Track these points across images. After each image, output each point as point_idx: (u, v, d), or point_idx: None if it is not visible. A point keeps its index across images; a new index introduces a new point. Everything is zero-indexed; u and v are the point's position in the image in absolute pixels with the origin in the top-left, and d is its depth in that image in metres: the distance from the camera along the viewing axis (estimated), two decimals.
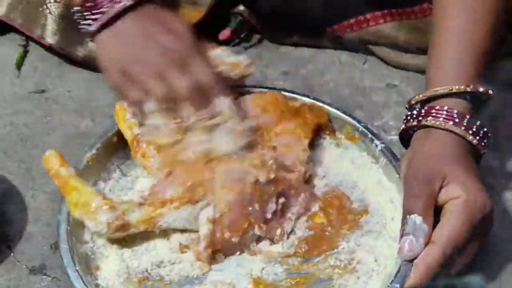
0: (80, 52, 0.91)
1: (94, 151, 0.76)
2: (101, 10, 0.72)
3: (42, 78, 0.92)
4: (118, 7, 0.72)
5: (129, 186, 0.78)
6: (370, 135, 0.79)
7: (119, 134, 0.78)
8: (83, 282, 0.66)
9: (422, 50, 0.88)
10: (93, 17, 0.73)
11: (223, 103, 0.72)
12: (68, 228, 0.70)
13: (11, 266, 0.72)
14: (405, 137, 0.77)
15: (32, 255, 0.73)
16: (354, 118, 0.81)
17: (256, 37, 0.99)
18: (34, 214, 0.77)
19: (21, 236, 0.75)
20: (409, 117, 0.75)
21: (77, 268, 0.67)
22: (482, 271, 0.71)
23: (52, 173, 0.72)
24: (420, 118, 0.73)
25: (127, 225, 0.69)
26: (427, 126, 0.72)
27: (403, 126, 0.76)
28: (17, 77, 0.93)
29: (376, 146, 0.79)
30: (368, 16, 0.92)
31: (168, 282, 0.69)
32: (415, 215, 0.66)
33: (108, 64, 0.75)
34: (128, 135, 0.76)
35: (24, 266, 0.73)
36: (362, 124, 0.80)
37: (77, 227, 0.71)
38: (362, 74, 0.96)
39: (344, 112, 0.82)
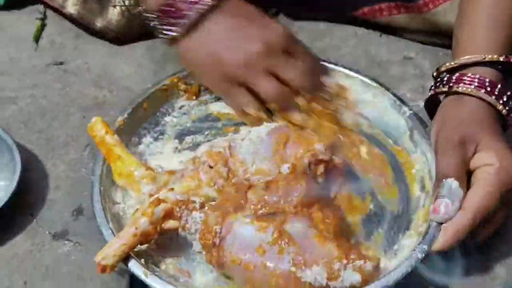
0: (99, 22, 0.91)
1: (125, 116, 0.76)
2: (181, 13, 0.70)
3: (60, 51, 0.93)
4: (199, 7, 0.70)
5: (160, 150, 0.78)
6: (398, 102, 0.79)
7: (149, 100, 0.78)
8: None
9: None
10: (173, 21, 0.71)
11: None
12: (102, 188, 0.70)
13: (34, 232, 0.73)
14: (431, 105, 0.76)
15: (54, 222, 0.74)
16: (381, 84, 0.81)
17: (272, 10, 0.99)
18: (54, 182, 0.78)
19: (43, 204, 0.75)
20: (438, 84, 0.75)
21: (110, 226, 0.67)
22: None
23: (97, 141, 0.72)
24: (451, 85, 0.72)
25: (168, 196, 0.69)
26: (458, 93, 0.72)
27: (431, 92, 0.76)
28: (35, 50, 0.93)
29: (404, 113, 0.78)
30: (382, 6, 0.92)
31: None
32: (452, 178, 0.66)
33: (204, 69, 0.74)
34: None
35: (47, 232, 0.73)
36: (390, 91, 0.80)
37: (109, 188, 0.71)
38: (379, 47, 0.96)
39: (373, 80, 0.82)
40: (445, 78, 0.74)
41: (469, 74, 0.72)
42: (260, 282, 0.63)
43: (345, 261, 0.62)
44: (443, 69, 0.75)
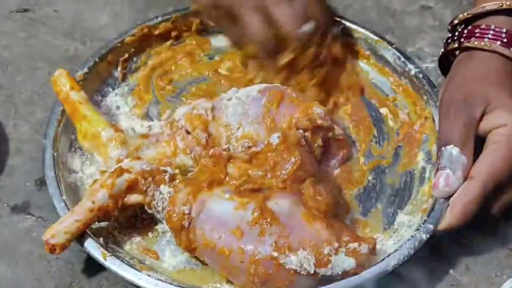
0: None
1: (85, 70, 0.69)
2: None
3: None
4: None
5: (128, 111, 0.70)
6: (403, 59, 0.70)
7: (114, 53, 0.71)
8: None
9: None
10: None
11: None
12: (55, 154, 0.63)
13: None
14: (445, 63, 0.67)
15: (14, 192, 0.67)
16: (384, 39, 0.73)
17: None
18: (16, 146, 0.71)
19: (1, 170, 0.68)
20: (449, 40, 0.66)
21: (63, 198, 0.59)
22: None
23: (61, 97, 0.65)
24: (461, 40, 0.64)
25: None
26: (469, 48, 0.63)
27: (442, 50, 0.67)
28: None
29: (410, 70, 0.69)
30: None
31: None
32: (451, 146, 0.57)
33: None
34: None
35: (5, 204, 0.66)
36: (393, 46, 0.72)
37: (65, 153, 0.64)
38: None
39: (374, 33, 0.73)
40: (457, 33, 0.65)
41: (482, 26, 0.63)
42: (236, 269, 0.55)
43: (336, 244, 0.54)
44: (456, 21, 0.66)
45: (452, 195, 0.57)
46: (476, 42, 0.62)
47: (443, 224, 0.57)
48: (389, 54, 0.71)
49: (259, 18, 0.64)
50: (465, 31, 0.64)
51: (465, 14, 0.65)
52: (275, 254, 0.53)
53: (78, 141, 0.65)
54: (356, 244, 0.54)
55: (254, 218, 0.55)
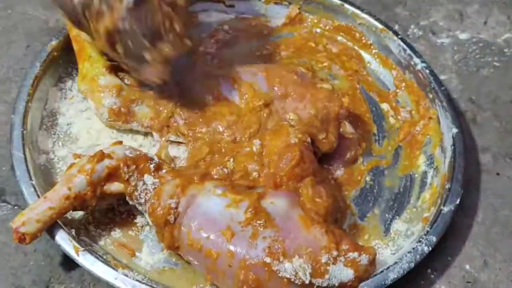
0: None
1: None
2: None
3: None
4: None
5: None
6: (408, 51, 0.66)
7: None
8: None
9: None
10: None
11: None
12: (25, 132, 0.58)
13: None
14: None
15: None
16: (390, 28, 0.68)
17: None
18: None
19: None
20: None
21: (33, 182, 0.55)
22: None
23: (73, 34, 0.63)
24: None
25: (130, 116, 0.60)
26: None
27: None
28: None
29: (415, 65, 0.65)
30: None
31: None
32: None
33: None
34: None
35: None
36: (399, 36, 0.67)
37: (35, 131, 0.60)
38: None
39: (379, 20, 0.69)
40: None
41: None
42: (224, 274, 0.51)
43: (335, 253, 0.50)
44: None
45: None
46: None
47: None
48: (394, 45, 0.68)
49: None
50: None
51: None
52: (268, 260, 0.50)
53: (77, 84, 0.62)
54: (356, 254, 0.51)
55: (247, 218, 0.51)
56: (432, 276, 0.57)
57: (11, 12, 0.74)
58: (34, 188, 0.55)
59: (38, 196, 0.54)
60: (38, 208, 0.52)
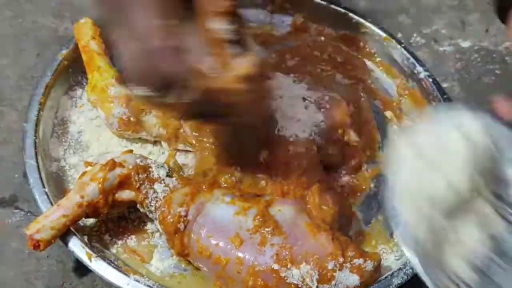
0: None
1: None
2: None
3: None
4: None
5: None
6: (412, 59, 0.67)
7: None
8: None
9: None
10: None
11: None
12: (37, 141, 0.60)
13: None
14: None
15: (1, 184, 0.64)
16: (391, 35, 0.69)
17: None
18: (2, 135, 0.67)
19: None
20: None
21: (46, 190, 0.57)
22: None
23: (81, 44, 0.64)
24: None
25: (140, 126, 0.61)
26: None
27: None
28: None
29: (418, 73, 0.67)
30: None
31: None
32: None
33: None
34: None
35: None
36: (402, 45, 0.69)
37: (47, 139, 0.61)
38: None
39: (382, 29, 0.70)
40: None
41: None
42: (233, 280, 0.52)
43: (341, 259, 0.52)
44: None
45: None
46: None
47: None
48: (398, 53, 0.69)
49: None
50: None
51: None
52: (276, 266, 0.51)
53: (87, 93, 0.63)
54: (361, 260, 0.52)
55: (255, 225, 0.52)
56: None
57: (22, 21, 0.75)
58: (47, 196, 0.56)
59: (51, 204, 0.55)
60: (52, 216, 0.53)
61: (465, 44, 0.75)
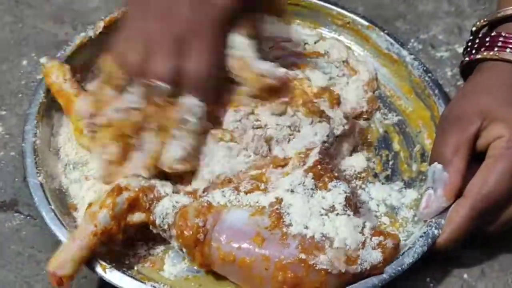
0: None
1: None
2: None
3: None
4: None
5: None
6: (396, 45, 0.68)
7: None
8: (62, 224, 0.55)
9: None
10: None
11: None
12: (36, 159, 0.59)
13: None
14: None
15: (1, 188, 0.63)
16: (389, 34, 0.70)
17: None
18: (3, 139, 0.67)
19: None
20: (464, 51, 0.63)
21: (52, 207, 0.56)
22: None
23: (55, 89, 0.62)
24: (473, 51, 0.61)
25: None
26: (480, 60, 0.60)
27: (462, 59, 0.63)
28: None
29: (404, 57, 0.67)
30: None
31: None
32: (435, 163, 0.56)
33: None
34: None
35: None
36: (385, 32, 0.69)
37: (46, 156, 0.60)
38: None
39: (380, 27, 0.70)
40: (469, 43, 0.62)
41: (493, 33, 0.59)
42: (261, 279, 0.51)
43: (362, 238, 0.52)
44: (474, 29, 0.63)
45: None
46: (484, 53, 0.59)
47: (438, 241, 0.55)
48: (381, 40, 0.69)
49: None
50: (476, 42, 0.61)
51: (482, 20, 0.62)
52: (303, 256, 0.51)
53: (75, 137, 0.61)
54: (381, 238, 0.53)
55: (272, 222, 0.52)
56: (432, 285, 0.58)
57: (22, 26, 0.75)
58: (54, 213, 0.56)
59: (59, 219, 0.55)
60: (69, 250, 0.52)
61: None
